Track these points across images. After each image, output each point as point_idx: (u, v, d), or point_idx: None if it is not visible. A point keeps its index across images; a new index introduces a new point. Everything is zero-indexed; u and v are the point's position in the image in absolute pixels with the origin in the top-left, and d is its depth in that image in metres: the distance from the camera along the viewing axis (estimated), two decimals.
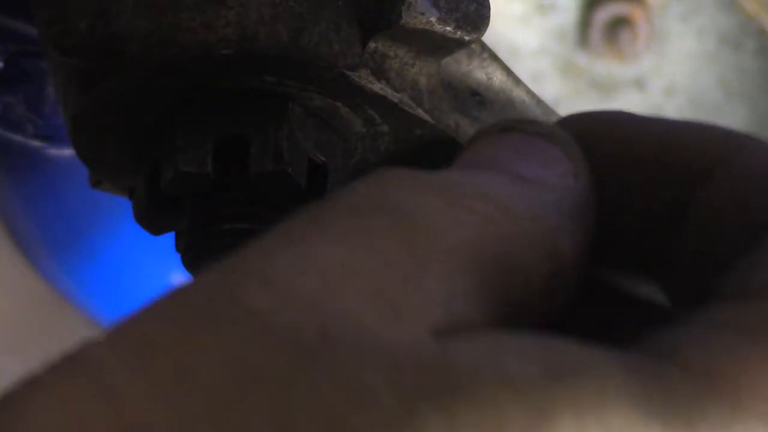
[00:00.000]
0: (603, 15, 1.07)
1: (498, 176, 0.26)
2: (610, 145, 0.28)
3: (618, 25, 1.06)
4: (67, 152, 0.72)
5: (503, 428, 0.20)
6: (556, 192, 0.26)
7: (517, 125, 0.28)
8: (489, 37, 0.40)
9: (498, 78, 0.43)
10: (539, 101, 0.44)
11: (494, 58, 0.43)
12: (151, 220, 0.41)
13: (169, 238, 0.41)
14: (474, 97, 0.43)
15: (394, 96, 0.39)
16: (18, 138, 0.72)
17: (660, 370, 0.22)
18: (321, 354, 0.21)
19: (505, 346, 0.22)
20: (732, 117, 1.05)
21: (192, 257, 0.39)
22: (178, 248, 0.40)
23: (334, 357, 0.21)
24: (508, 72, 0.44)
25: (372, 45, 0.38)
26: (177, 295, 0.22)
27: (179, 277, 0.71)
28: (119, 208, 0.71)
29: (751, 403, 0.21)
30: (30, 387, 0.21)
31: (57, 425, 0.20)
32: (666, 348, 0.22)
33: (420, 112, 0.40)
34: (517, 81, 0.44)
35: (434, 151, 0.41)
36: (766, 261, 0.24)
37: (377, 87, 0.39)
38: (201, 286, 0.22)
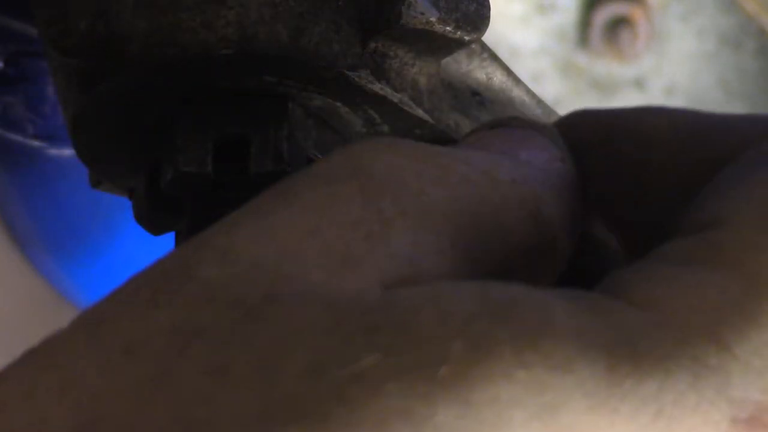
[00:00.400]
0: (603, 15, 1.07)
1: (484, 151, 0.26)
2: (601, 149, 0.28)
3: (618, 25, 1.06)
4: (67, 152, 0.72)
5: (444, 364, 0.20)
6: (542, 170, 0.26)
7: (508, 121, 0.28)
8: (489, 37, 0.40)
9: (498, 78, 0.43)
10: (539, 101, 0.44)
11: (494, 58, 0.43)
12: (151, 220, 0.41)
13: (169, 238, 0.41)
14: (474, 97, 0.43)
15: (394, 96, 0.39)
16: (18, 138, 0.72)
17: (604, 305, 0.22)
18: (262, 311, 0.21)
19: (447, 289, 0.21)
20: None
21: None
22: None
23: (274, 312, 0.21)
24: (508, 72, 0.44)
25: (372, 45, 0.38)
26: (138, 273, 0.23)
27: None
28: (119, 208, 0.71)
29: (693, 332, 0.21)
30: None
31: (10, 406, 0.21)
32: (615, 286, 0.22)
33: (420, 112, 0.40)
34: (517, 81, 0.44)
35: None
36: (713, 195, 0.24)
37: (377, 87, 0.39)
38: (160, 263, 0.23)
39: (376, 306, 0.21)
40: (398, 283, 0.22)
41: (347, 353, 0.20)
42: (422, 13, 0.38)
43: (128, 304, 0.22)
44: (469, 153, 0.26)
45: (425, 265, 0.23)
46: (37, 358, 0.22)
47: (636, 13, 1.07)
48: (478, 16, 0.39)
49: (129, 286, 0.23)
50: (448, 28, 0.39)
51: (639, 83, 1.07)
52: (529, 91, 0.44)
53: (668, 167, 0.26)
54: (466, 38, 0.39)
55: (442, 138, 0.40)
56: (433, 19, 0.38)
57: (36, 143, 0.72)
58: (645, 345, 0.21)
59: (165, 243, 0.42)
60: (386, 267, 0.22)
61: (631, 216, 0.27)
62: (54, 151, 0.73)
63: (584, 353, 0.20)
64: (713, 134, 0.26)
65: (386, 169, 0.24)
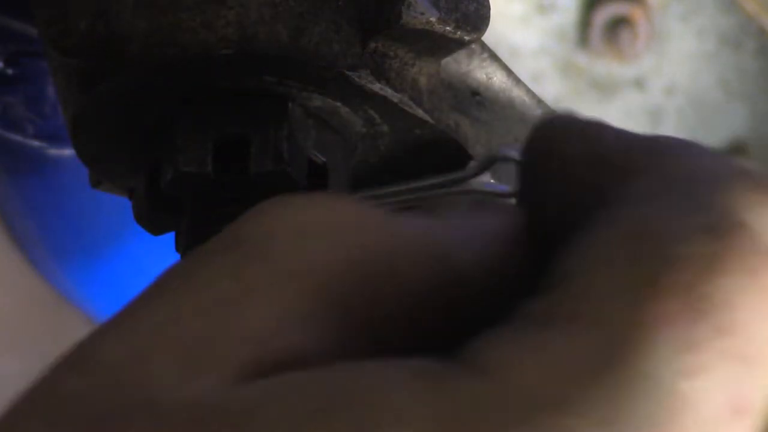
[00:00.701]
0: (603, 15, 1.07)
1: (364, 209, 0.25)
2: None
3: (618, 25, 1.06)
4: (67, 152, 0.72)
5: None
6: (463, 227, 0.25)
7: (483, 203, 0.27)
8: (489, 37, 0.40)
9: (498, 78, 0.43)
10: (539, 101, 0.44)
11: (494, 58, 0.43)
12: (151, 220, 0.41)
13: (169, 238, 0.41)
14: (474, 97, 0.43)
15: (394, 96, 0.39)
16: (18, 138, 0.72)
17: (445, 373, 0.21)
18: (112, 425, 0.21)
19: (287, 383, 0.21)
20: (732, 117, 1.06)
21: None
22: (178, 248, 0.40)
23: (121, 426, 0.21)
24: (508, 72, 0.44)
25: (372, 45, 0.38)
26: (24, 392, 0.22)
27: None
28: (119, 208, 0.71)
29: (539, 399, 0.20)
30: None
31: None
32: (471, 352, 0.21)
33: (420, 112, 0.40)
34: (517, 81, 0.44)
35: (434, 151, 0.41)
36: (570, 251, 0.23)
37: (377, 87, 0.39)
38: (36, 379, 0.22)
39: (209, 413, 0.20)
40: (257, 368, 0.21)
41: None
42: (422, 13, 0.38)
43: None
44: (356, 209, 0.24)
45: (293, 337, 0.22)
46: None
47: (636, 13, 1.07)
48: (478, 16, 0.39)
49: (14, 409, 0.22)
50: (448, 28, 0.39)
51: (639, 83, 1.07)
52: (529, 91, 0.44)
53: (553, 198, 0.25)
54: (466, 38, 0.39)
55: (442, 138, 0.41)
56: (433, 19, 0.38)
57: (36, 143, 0.72)
58: (489, 419, 0.20)
59: (166, 243, 0.42)
60: (239, 353, 0.21)
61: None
62: (54, 151, 0.73)
63: (420, 414, 0.20)
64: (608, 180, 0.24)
65: (265, 233, 0.23)
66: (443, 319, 0.23)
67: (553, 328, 0.21)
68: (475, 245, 0.24)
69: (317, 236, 0.23)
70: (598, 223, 0.23)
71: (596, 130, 0.25)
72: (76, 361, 0.22)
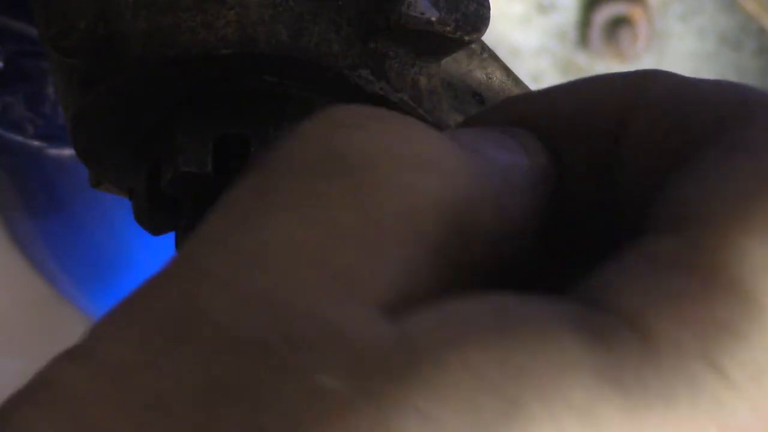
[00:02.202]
0: (603, 15, 1.07)
1: (449, 140, 0.26)
2: (533, 127, 0.27)
3: (618, 25, 1.06)
4: (67, 152, 0.72)
5: (478, 418, 0.20)
6: (503, 167, 0.26)
7: (481, 120, 0.28)
8: (489, 37, 0.40)
9: (498, 78, 0.43)
10: None
11: (494, 58, 0.43)
12: (151, 220, 0.41)
13: (168, 238, 0.41)
14: (474, 97, 0.43)
15: (394, 96, 0.39)
16: (18, 138, 0.72)
17: (607, 331, 0.21)
18: (285, 360, 0.20)
19: (462, 321, 0.21)
20: None
21: None
22: (178, 248, 0.40)
23: (298, 365, 0.20)
24: (508, 72, 0.44)
25: (372, 45, 0.38)
26: (140, 308, 0.22)
27: None
28: (119, 208, 0.71)
29: (688, 356, 0.21)
30: (6, 416, 0.21)
31: None
32: (601, 292, 0.22)
33: (420, 112, 0.40)
34: (517, 81, 0.44)
35: None
36: (690, 184, 0.23)
37: (377, 87, 0.39)
38: (164, 297, 0.22)
39: (396, 350, 0.21)
40: (397, 303, 0.22)
41: (379, 415, 0.20)
42: (422, 13, 0.38)
43: (143, 352, 0.21)
44: (442, 138, 0.25)
45: (417, 277, 0.23)
46: (56, 404, 0.21)
47: (636, 13, 1.07)
48: (478, 16, 0.39)
49: (136, 323, 0.22)
50: (448, 28, 0.39)
51: None
52: (529, 91, 0.44)
53: (642, 142, 0.26)
54: (466, 38, 0.39)
55: None
56: (433, 19, 0.38)
57: (36, 143, 0.72)
58: (650, 379, 0.21)
59: (165, 243, 0.42)
60: (388, 286, 0.22)
61: (600, 197, 0.27)
62: (54, 151, 0.73)
63: (602, 395, 0.21)
64: (689, 109, 0.25)
65: (363, 156, 0.23)
66: (494, 260, 0.25)
67: (692, 278, 0.22)
68: (526, 193, 0.26)
69: (415, 171, 0.23)
70: (717, 165, 0.23)
71: (680, 79, 0.26)
72: (211, 286, 0.22)
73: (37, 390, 0.21)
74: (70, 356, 0.22)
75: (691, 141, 0.25)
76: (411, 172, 0.23)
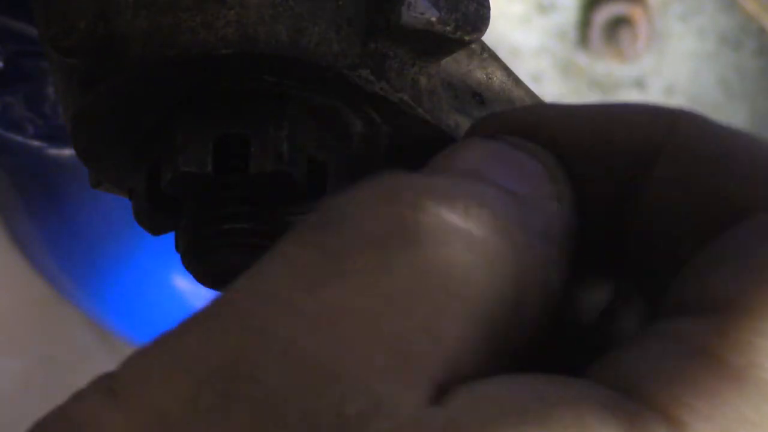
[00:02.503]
0: (603, 15, 1.07)
1: (489, 190, 0.25)
2: (543, 142, 0.27)
3: (618, 25, 1.06)
4: (67, 152, 0.72)
5: None
6: (543, 216, 0.25)
7: (500, 136, 0.27)
8: (489, 37, 0.40)
9: (498, 78, 0.43)
10: (539, 101, 0.44)
11: (494, 58, 0.43)
12: (151, 220, 0.41)
13: (168, 238, 0.41)
14: (474, 97, 0.42)
15: (394, 96, 0.39)
16: (18, 138, 0.72)
17: (637, 417, 0.21)
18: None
19: (505, 408, 0.21)
20: (732, 117, 1.06)
21: (192, 257, 0.39)
22: (178, 248, 0.40)
23: None
24: (508, 72, 0.44)
25: (372, 45, 0.38)
26: (189, 354, 0.21)
27: (179, 277, 0.71)
28: (119, 208, 0.71)
29: None
30: None
31: None
32: (630, 379, 0.22)
33: (420, 112, 0.40)
34: (517, 81, 0.44)
35: (434, 151, 0.41)
36: (720, 268, 0.23)
37: (377, 87, 0.39)
38: (218, 349, 0.21)
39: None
40: (448, 381, 0.22)
41: None
42: (422, 13, 0.38)
43: (191, 405, 0.20)
44: (478, 194, 0.24)
45: (468, 357, 0.22)
46: None
47: (636, 13, 1.07)
48: (478, 16, 0.39)
49: (184, 376, 0.21)
50: (448, 28, 0.39)
51: (639, 83, 1.07)
52: (529, 91, 0.44)
53: (666, 193, 0.25)
54: (466, 38, 0.39)
55: (442, 138, 0.40)
56: (433, 19, 0.38)
57: (36, 143, 0.72)
58: None
59: (164, 242, 0.42)
60: (440, 365, 0.22)
61: (603, 226, 0.26)
62: (54, 151, 0.73)
63: None
64: (721, 171, 0.24)
65: (432, 232, 0.23)
66: (533, 336, 0.24)
67: (724, 375, 0.21)
68: (558, 258, 0.25)
69: (474, 250, 0.23)
70: (753, 249, 0.23)
71: (725, 131, 0.25)
72: (270, 347, 0.21)
73: (65, 428, 0.21)
74: (104, 392, 0.21)
75: (722, 212, 0.24)
76: (473, 255, 0.23)
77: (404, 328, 0.22)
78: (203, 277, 0.40)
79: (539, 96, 0.44)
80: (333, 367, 0.21)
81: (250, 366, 0.21)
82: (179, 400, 0.20)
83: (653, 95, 1.07)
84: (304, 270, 0.22)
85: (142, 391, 0.21)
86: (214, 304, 0.22)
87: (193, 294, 0.71)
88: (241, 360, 0.21)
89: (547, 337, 0.25)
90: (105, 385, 0.21)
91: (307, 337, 0.21)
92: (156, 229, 0.41)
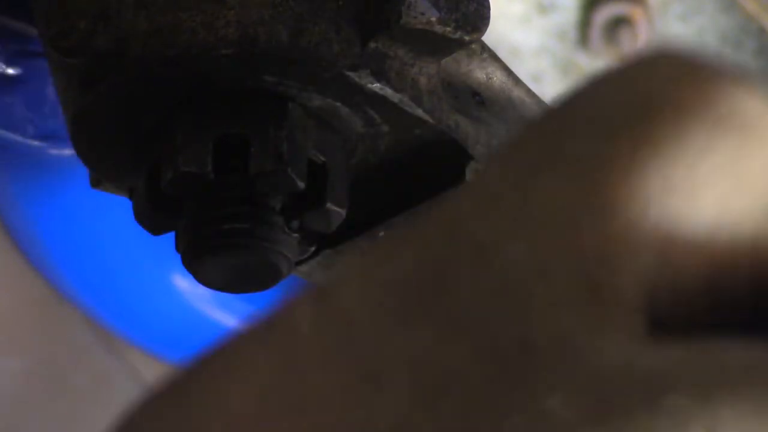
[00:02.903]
0: (603, 15, 1.07)
1: None
2: None
3: (618, 25, 1.06)
4: (67, 152, 0.72)
5: None
6: None
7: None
8: (489, 37, 0.40)
9: (498, 78, 0.43)
10: (539, 101, 0.44)
11: (494, 58, 0.43)
12: (151, 220, 0.41)
13: (168, 238, 0.41)
14: (474, 97, 0.43)
15: (394, 96, 0.39)
16: (18, 138, 0.72)
17: None
18: (517, 375, 0.18)
19: (720, 369, 0.18)
20: None
21: (192, 257, 0.39)
22: (178, 248, 0.40)
23: (528, 382, 0.18)
24: (508, 72, 0.44)
25: (372, 45, 0.38)
26: (382, 262, 0.19)
27: (179, 277, 0.72)
28: (119, 208, 0.71)
29: None
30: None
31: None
32: None
33: (420, 112, 0.40)
34: (517, 81, 0.44)
35: (434, 151, 0.41)
36: None
37: (377, 87, 0.39)
38: (411, 256, 0.19)
39: (646, 386, 0.17)
40: (654, 330, 0.19)
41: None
42: (422, 13, 0.38)
43: (373, 314, 0.19)
44: None
45: (680, 304, 0.19)
46: (275, 337, 0.20)
47: (636, 13, 1.07)
48: (478, 16, 0.39)
49: (375, 281, 0.19)
50: (448, 28, 0.39)
51: None
52: (529, 91, 0.44)
53: None
54: (466, 38, 0.39)
55: (442, 138, 0.41)
56: (433, 19, 0.38)
57: (36, 143, 0.72)
58: None
59: (165, 242, 0.42)
60: (647, 306, 0.19)
61: None
62: (54, 151, 0.73)
63: None
64: None
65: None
66: None
67: None
68: None
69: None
70: None
71: None
72: (474, 259, 0.18)
73: (265, 319, 0.20)
74: (314, 290, 0.20)
75: None
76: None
77: (610, 256, 0.19)
78: (203, 277, 0.40)
79: (539, 96, 0.45)
80: (521, 288, 0.18)
81: (441, 275, 0.19)
82: (366, 304, 0.19)
83: None
84: (522, 161, 0.19)
85: (337, 292, 0.20)
86: (430, 212, 0.20)
87: (193, 294, 0.71)
88: (431, 267, 0.19)
89: None
90: (320, 289, 0.20)
91: (508, 242, 0.18)
92: (156, 229, 0.41)
